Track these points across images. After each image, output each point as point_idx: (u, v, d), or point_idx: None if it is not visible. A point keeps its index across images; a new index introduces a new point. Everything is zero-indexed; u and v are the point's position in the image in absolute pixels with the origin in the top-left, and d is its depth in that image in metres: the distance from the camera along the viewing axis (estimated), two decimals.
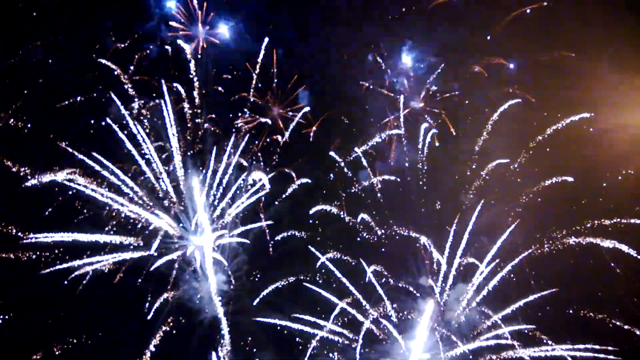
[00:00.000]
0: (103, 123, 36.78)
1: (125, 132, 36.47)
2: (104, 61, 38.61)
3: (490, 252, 37.23)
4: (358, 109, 43.17)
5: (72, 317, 35.96)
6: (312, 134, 42.25)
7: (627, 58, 37.23)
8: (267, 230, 40.09)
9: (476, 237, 38.39)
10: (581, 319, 36.88)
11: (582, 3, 38.91)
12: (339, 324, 37.69)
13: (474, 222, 37.98)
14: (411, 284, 39.36)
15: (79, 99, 38.24)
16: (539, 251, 37.69)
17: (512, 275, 37.30)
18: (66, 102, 38.08)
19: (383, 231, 40.60)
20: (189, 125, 39.39)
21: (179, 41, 39.51)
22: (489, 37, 40.57)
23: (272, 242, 40.23)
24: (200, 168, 38.40)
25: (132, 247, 36.18)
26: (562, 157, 38.83)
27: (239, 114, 40.69)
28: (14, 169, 34.83)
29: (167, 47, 39.89)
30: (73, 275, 34.57)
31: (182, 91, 39.16)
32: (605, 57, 37.65)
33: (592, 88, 37.29)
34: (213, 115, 40.34)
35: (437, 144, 41.77)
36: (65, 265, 34.28)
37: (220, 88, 40.82)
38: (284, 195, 40.71)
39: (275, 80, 41.63)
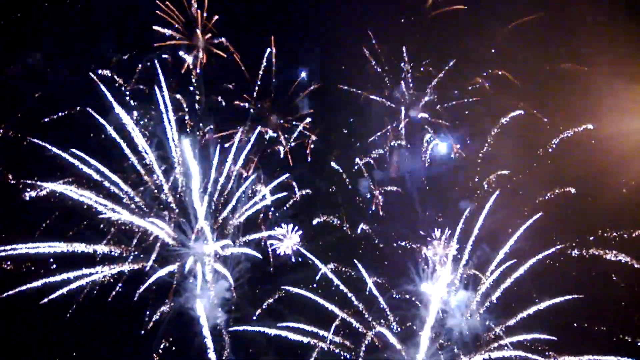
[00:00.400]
0: (103, 136, 36.16)
1: (126, 141, 36.15)
2: (105, 72, 38.27)
3: (495, 261, 37.00)
4: (358, 118, 42.57)
5: (71, 328, 35.37)
6: (312, 143, 41.76)
7: (629, 66, 36.70)
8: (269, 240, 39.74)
9: (478, 245, 38.19)
10: (583, 330, 36.49)
11: (581, 12, 38.34)
12: (341, 333, 37.36)
13: (474, 227, 37.78)
14: (412, 292, 39.08)
15: (78, 108, 37.71)
16: (546, 262, 37.27)
17: (515, 287, 36.87)
18: (65, 113, 37.63)
19: (384, 240, 40.24)
20: (189, 135, 38.85)
21: (181, 52, 39.10)
22: (493, 50, 39.96)
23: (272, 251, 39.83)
24: (202, 177, 37.85)
25: (132, 257, 35.85)
26: (565, 168, 38.39)
27: (240, 124, 40.08)
28: (12, 181, 34.39)
29: (166, 56, 39.26)
30: (72, 287, 33.91)
31: (183, 102, 38.73)
32: (607, 66, 37.07)
33: (595, 98, 36.84)
34: (212, 126, 39.85)
35: (437, 155, 41.44)
36: (64, 276, 33.51)
37: (220, 98, 40.29)
38: (285, 206, 40.40)
39: (274, 91, 41.27)
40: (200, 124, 39.77)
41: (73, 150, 34.78)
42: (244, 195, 38.46)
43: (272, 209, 40.11)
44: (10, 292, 32.34)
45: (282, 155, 41.07)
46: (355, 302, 37.63)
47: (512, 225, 37.13)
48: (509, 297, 36.94)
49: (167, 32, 38.75)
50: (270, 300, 38.30)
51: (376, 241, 40.25)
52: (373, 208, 41.10)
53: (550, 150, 39.15)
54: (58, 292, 33.27)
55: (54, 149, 34.51)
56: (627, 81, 36.08)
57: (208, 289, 37.28)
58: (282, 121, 41.58)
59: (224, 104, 40.33)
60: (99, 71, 38.12)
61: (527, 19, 39.37)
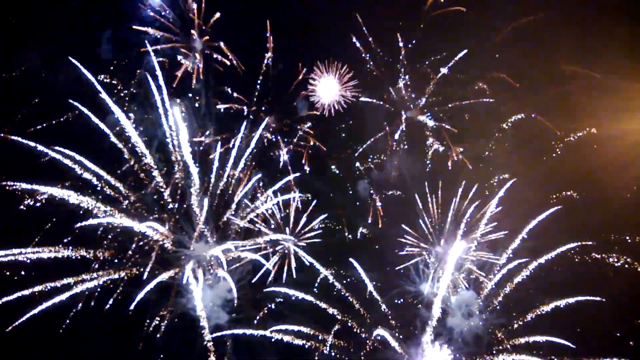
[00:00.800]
0: (102, 139, 35.36)
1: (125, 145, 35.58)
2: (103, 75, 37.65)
3: (498, 263, 36.82)
4: (358, 120, 41.67)
5: (71, 333, 35.05)
6: (309, 149, 40.92)
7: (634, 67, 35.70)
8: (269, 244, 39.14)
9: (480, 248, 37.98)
10: (586, 333, 35.90)
11: (582, 12, 37.29)
12: (342, 334, 37.07)
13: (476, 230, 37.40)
14: (413, 293, 38.54)
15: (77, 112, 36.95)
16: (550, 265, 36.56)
17: (516, 290, 36.45)
18: (65, 118, 36.96)
19: (385, 243, 39.64)
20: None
21: (179, 57, 38.22)
22: (497, 56, 38.97)
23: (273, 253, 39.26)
24: (204, 180, 37.22)
25: (132, 261, 35.41)
26: (569, 172, 37.74)
27: (239, 127, 39.22)
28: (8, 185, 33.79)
29: (163, 59, 38.33)
30: (71, 293, 33.56)
31: (182, 106, 37.90)
32: (612, 67, 36.11)
33: (599, 101, 35.97)
34: (210, 131, 39.07)
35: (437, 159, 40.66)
36: (64, 282, 33.33)
37: (219, 101, 39.37)
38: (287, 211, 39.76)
39: (272, 93, 40.35)
40: (199, 127, 39.00)
41: (69, 152, 34.23)
42: (244, 199, 37.88)
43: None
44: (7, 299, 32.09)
45: (281, 160, 40.35)
46: (356, 304, 37.33)
47: (515, 227, 36.71)
48: (511, 300, 36.61)
49: (163, 34, 38.00)
50: (272, 305, 38.05)
51: (377, 247, 39.69)
52: (370, 221, 40.63)
53: (554, 155, 38.51)
54: (51, 302, 32.77)
55: (52, 153, 33.92)
56: (632, 83, 35.18)
57: (210, 290, 36.84)
58: (279, 122, 40.85)
59: (222, 108, 39.50)
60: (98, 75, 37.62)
61: (528, 20, 38.33)
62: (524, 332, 35.48)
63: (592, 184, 36.83)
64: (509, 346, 35.39)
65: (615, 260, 35.64)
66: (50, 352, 35.41)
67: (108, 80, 37.83)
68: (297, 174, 39.43)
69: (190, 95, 38.71)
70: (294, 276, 38.67)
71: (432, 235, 39.39)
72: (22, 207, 33.90)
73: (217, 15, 37.93)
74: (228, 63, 38.89)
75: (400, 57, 40.28)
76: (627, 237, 36.02)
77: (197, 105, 38.86)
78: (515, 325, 35.85)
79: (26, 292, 32.46)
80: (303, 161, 40.23)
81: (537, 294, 36.25)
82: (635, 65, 35.22)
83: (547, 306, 35.29)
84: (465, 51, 38.68)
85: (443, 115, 40.62)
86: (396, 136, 40.74)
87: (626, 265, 35.37)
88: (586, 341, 34.83)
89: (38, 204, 34.26)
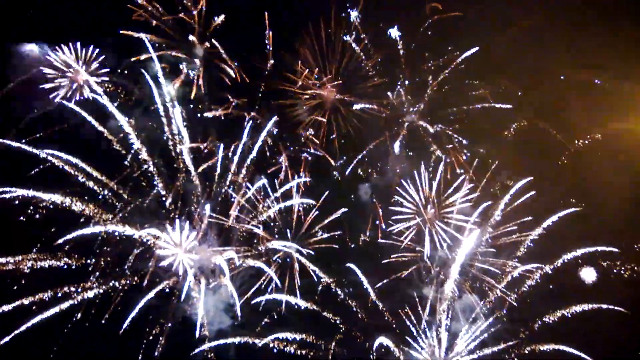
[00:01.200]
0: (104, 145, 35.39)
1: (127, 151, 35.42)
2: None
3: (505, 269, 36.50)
4: (359, 126, 40.80)
5: (71, 339, 34.68)
6: (310, 156, 40.42)
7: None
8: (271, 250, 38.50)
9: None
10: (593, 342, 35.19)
11: (580, 15, 36.58)
12: (344, 339, 36.76)
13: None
14: (416, 298, 37.82)
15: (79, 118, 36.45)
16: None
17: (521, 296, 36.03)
18: (65, 125, 36.49)
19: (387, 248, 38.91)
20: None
21: (181, 66, 37.73)
22: (497, 61, 38.13)
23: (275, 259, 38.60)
24: (206, 186, 36.99)
25: (132, 269, 35.12)
26: (572, 179, 37.11)
27: (240, 133, 38.44)
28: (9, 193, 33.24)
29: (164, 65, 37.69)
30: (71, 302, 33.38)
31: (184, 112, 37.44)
32: (610, 72, 35.41)
33: (602, 105, 35.30)
34: (210, 139, 38.42)
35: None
36: (63, 290, 33.28)
37: (220, 108, 38.70)
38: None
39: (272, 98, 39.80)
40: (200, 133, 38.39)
41: (71, 158, 34.07)
42: (246, 206, 37.39)
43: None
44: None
45: (282, 165, 39.54)
46: (359, 312, 37.04)
47: (520, 233, 36.33)
48: (515, 307, 36.13)
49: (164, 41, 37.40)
50: (274, 312, 37.46)
51: (379, 255, 38.99)
52: (371, 227, 39.91)
53: (559, 162, 37.83)
54: (53, 310, 32.68)
55: (53, 160, 33.87)
56: (634, 86, 34.41)
57: (211, 296, 36.43)
58: (281, 128, 40.20)
59: (223, 114, 38.85)
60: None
61: (528, 24, 37.49)
62: (530, 340, 35.12)
63: (597, 191, 36.06)
64: (514, 355, 34.69)
65: (621, 268, 35.01)
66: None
67: (110, 87, 37.26)
68: (299, 180, 38.79)
69: (191, 106, 38.15)
70: (297, 284, 38.01)
71: (433, 240, 38.76)
72: (22, 217, 33.33)
73: (220, 19, 37.29)
74: (233, 75, 38.45)
75: (401, 61, 39.71)
76: (636, 245, 35.39)
77: (199, 115, 38.35)
78: (521, 335, 35.34)
79: (26, 301, 32.31)
80: (302, 170, 39.62)
81: (543, 301, 35.74)
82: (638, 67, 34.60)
83: (552, 316, 34.85)
84: (476, 49, 37.77)
85: (444, 121, 39.98)
86: (397, 142, 40.14)
87: (634, 275, 34.68)
88: (592, 345, 34.08)
89: (37, 215, 33.81)
